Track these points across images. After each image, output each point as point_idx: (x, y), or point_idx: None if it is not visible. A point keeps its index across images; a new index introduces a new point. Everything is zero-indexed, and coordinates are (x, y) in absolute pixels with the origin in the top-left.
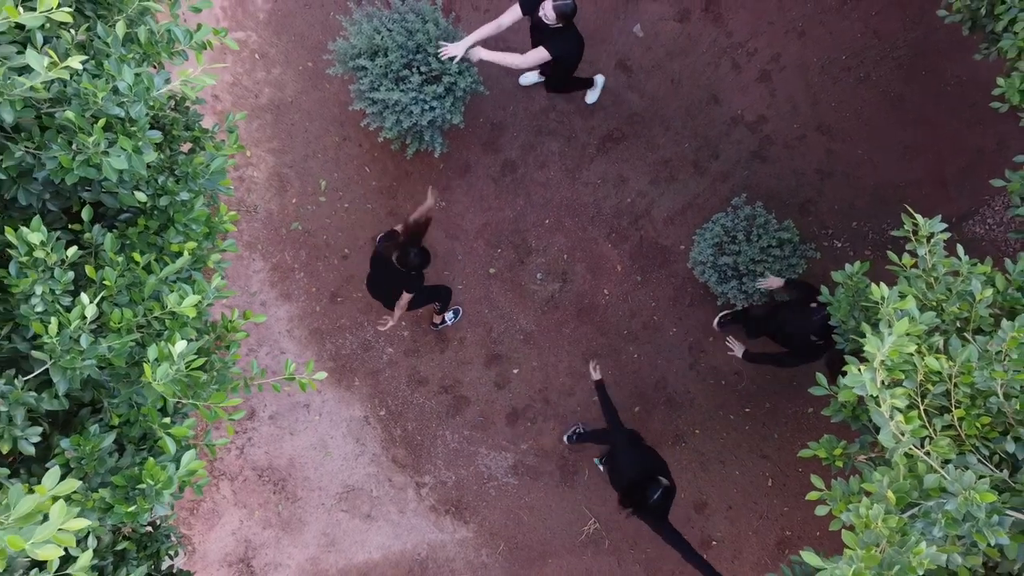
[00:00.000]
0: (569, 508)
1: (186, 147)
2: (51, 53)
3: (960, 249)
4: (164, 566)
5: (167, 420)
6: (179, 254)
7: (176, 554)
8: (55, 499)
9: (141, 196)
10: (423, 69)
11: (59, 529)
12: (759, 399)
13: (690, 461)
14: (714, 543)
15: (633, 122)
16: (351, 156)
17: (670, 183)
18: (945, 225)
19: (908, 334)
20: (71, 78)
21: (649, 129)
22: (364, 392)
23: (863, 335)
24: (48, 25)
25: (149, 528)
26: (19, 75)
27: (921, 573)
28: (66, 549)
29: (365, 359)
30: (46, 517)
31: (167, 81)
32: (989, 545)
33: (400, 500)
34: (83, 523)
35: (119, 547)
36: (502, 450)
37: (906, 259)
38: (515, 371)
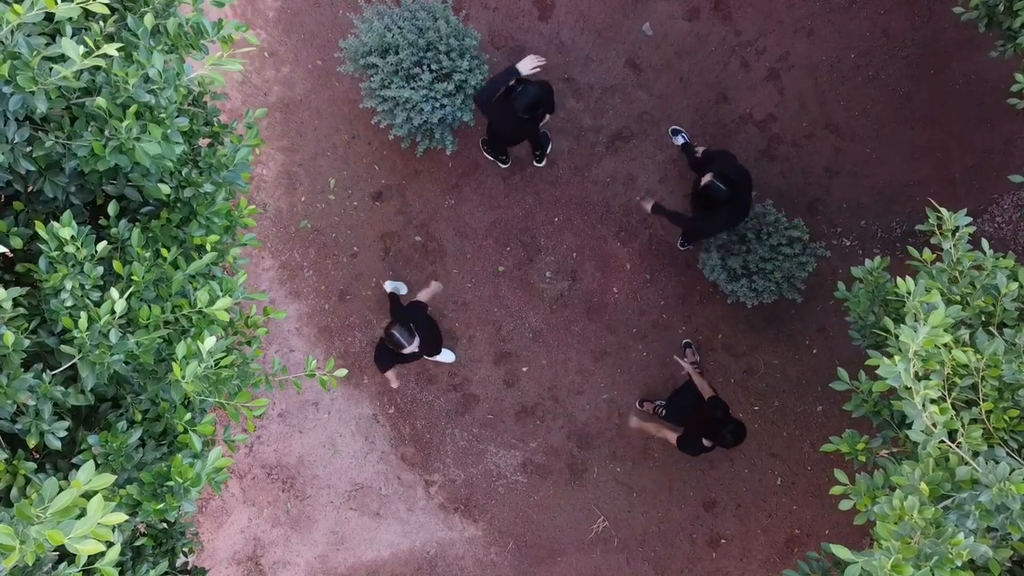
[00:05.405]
0: (578, 506)
1: (204, 142)
2: (88, 41)
3: (985, 243)
4: (179, 563)
5: (189, 417)
6: (201, 247)
7: (191, 551)
8: (88, 495)
9: (165, 188)
10: (434, 67)
11: (98, 524)
12: (768, 397)
13: (699, 459)
14: (723, 541)
15: (642, 121)
16: (360, 154)
17: (679, 181)
18: (970, 219)
19: (938, 325)
20: (104, 66)
21: (658, 127)
22: (373, 390)
23: (884, 329)
24: (77, 17)
25: (164, 525)
26: (53, 65)
27: (959, 564)
28: None
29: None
30: (81, 512)
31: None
32: (1021, 539)
33: (409, 498)
34: (120, 517)
35: (137, 543)
36: (511, 448)
37: (926, 255)
38: (524, 369)
